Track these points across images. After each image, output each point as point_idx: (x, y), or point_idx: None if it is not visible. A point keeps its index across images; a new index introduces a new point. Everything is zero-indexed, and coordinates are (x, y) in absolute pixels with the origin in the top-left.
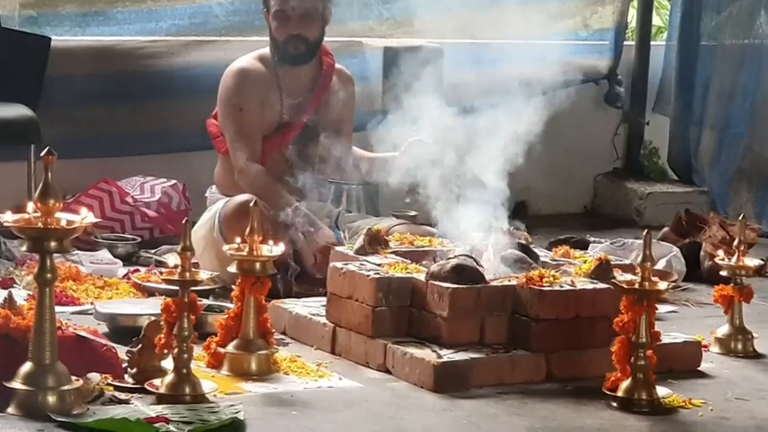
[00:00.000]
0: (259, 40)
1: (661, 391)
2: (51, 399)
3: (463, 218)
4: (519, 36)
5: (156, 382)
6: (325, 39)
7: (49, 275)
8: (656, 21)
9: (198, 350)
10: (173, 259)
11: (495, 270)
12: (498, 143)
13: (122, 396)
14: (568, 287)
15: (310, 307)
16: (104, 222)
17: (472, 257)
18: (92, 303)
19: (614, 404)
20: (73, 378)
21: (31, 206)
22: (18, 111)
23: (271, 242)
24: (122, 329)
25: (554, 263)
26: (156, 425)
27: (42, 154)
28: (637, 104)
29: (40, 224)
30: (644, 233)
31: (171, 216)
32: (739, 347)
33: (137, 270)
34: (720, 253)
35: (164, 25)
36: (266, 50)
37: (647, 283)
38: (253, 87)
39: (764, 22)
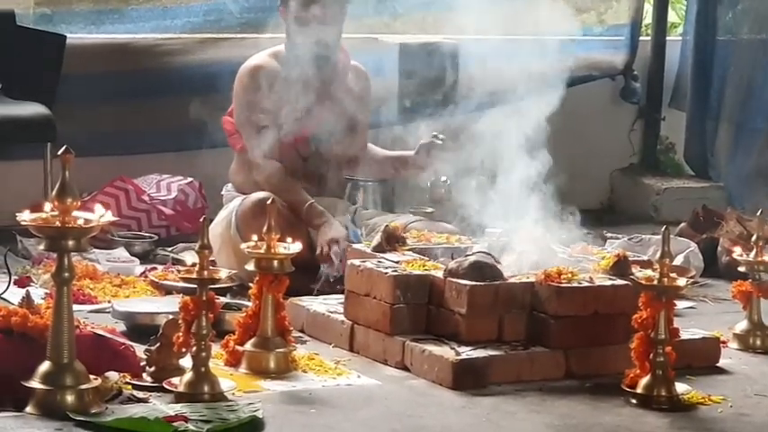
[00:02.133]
0: (274, 37)
1: (680, 387)
2: (69, 398)
3: (481, 214)
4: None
5: (175, 380)
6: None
7: (66, 274)
8: (672, 16)
9: (216, 348)
10: (190, 257)
11: (514, 267)
12: (514, 140)
13: (141, 395)
14: (587, 284)
15: (328, 304)
16: (121, 220)
17: (490, 254)
18: (109, 302)
19: (633, 401)
20: (91, 377)
21: (48, 205)
22: (34, 109)
23: (288, 240)
24: (140, 328)
25: (572, 259)
26: (174, 424)
27: (60, 152)
28: (653, 100)
29: (57, 223)
30: (662, 229)
31: (187, 214)
32: (758, 343)
33: (154, 268)
34: (738, 248)
35: (178, 23)
36: (281, 47)
37: (665, 280)
38: (268, 85)
39: None
